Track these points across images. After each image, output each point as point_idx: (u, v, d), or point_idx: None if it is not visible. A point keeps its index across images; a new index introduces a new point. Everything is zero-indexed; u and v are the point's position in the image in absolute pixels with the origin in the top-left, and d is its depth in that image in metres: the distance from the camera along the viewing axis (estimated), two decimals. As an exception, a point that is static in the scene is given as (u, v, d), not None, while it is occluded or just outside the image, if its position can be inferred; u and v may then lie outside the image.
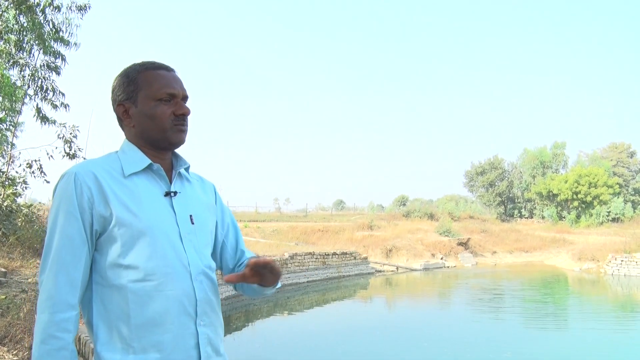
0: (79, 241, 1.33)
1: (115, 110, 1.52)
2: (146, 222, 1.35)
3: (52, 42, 9.66)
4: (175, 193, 1.46)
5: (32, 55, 9.95)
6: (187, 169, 1.57)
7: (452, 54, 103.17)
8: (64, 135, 9.94)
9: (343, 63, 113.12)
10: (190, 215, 1.47)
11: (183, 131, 1.49)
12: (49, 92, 9.44)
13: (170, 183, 1.49)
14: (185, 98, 1.52)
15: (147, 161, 1.44)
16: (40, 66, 9.92)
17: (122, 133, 1.54)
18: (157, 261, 1.34)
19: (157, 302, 1.33)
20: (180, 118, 1.48)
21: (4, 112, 9.74)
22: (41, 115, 9.84)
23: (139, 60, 1.55)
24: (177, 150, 1.57)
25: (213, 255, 1.58)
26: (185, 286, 1.38)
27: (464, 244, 33.83)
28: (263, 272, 1.47)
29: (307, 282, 23.35)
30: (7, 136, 10.76)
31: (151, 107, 1.45)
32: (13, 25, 9.70)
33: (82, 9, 9.81)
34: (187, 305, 1.37)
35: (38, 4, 9.29)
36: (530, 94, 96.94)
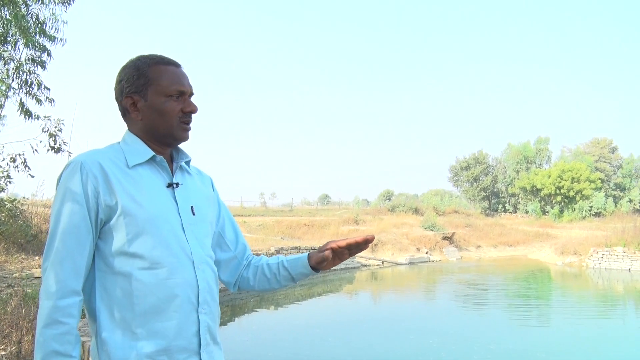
0: (84, 229, 1.35)
1: (123, 102, 1.53)
2: (151, 212, 1.38)
3: (36, 37, 9.56)
4: (177, 184, 1.49)
5: (17, 48, 9.82)
6: (187, 163, 1.60)
7: (437, 48, 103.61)
8: (48, 129, 9.86)
9: (329, 56, 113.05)
10: (192, 207, 1.50)
11: (189, 129, 1.53)
12: (34, 86, 9.34)
13: (172, 175, 1.52)
14: (192, 95, 1.56)
15: (151, 153, 1.47)
16: (25, 60, 9.80)
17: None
18: (161, 250, 1.38)
19: (162, 290, 1.37)
20: (188, 115, 1.52)
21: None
22: (25, 109, 9.72)
23: (146, 53, 1.57)
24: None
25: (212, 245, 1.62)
26: (188, 275, 1.41)
27: (449, 238, 34.10)
28: (343, 253, 1.59)
29: (293, 276, 23.37)
30: (-11, 130, 10.64)
31: (161, 102, 1.48)
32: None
33: (65, 2, 9.70)
34: (190, 294, 1.41)
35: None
36: (515, 89, 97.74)
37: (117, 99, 1.54)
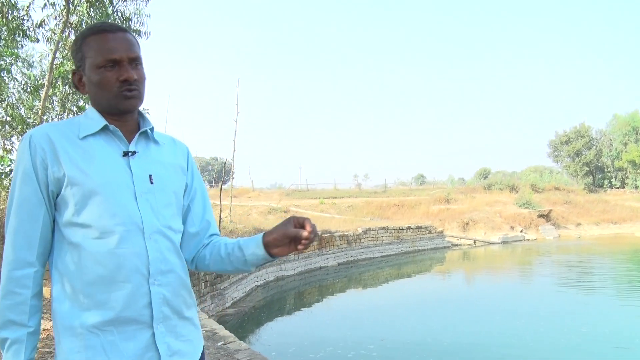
0: (35, 201, 1.36)
1: (72, 79, 1.52)
2: (97, 181, 1.36)
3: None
4: (133, 153, 1.44)
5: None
6: (151, 130, 1.53)
7: (532, 18, 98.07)
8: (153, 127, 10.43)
9: (419, 35, 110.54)
10: (150, 175, 1.45)
11: (131, 97, 1.44)
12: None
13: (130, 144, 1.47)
14: (133, 60, 1.46)
15: (102, 123, 1.43)
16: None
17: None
18: (108, 220, 1.35)
19: (109, 259, 1.34)
20: (126, 84, 1.43)
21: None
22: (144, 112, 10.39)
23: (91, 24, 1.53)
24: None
25: (179, 217, 1.55)
26: (137, 245, 1.37)
27: (546, 216, 32.58)
28: (297, 237, 1.43)
29: (382, 256, 23.40)
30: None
31: (95, 75, 1.43)
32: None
33: (145, -4, 10.23)
34: (139, 264, 1.36)
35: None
36: (618, 55, 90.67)
37: None
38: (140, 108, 1.55)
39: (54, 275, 1.40)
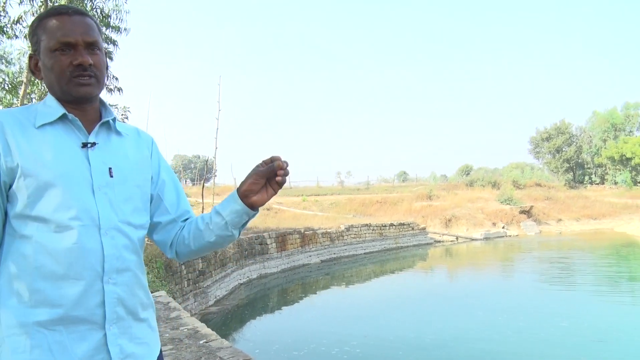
0: None
1: (28, 64, 1.44)
2: (53, 173, 1.28)
3: (103, 29, 10.07)
4: (93, 144, 1.36)
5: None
6: (113, 121, 1.45)
7: (512, 15, 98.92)
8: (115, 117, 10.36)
9: (401, 34, 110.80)
10: (110, 168, 1.37)
11: (84, 84, 1.35)
12: (102, 76, 9.86)
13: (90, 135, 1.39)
14: (90, 45, 1.37)
15: (61, 112, 1.35)
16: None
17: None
18: (63, 213, 1.28)
19: (61, 255, 1.27)
20: (80, 69, 1.34)
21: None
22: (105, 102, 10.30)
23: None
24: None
25: (145, 211, 1.47)
26: (91, 241, 1.30)
27: (527, 212, 32.93)
28: (272, 179, 1.39)
29: (365, 253, 23.47)
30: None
31: (49, 59, 1.35)
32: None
33: (124, -8, 10.15)
34: (92, 261, 1.29)
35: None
36: (597, 53, 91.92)
37: None
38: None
39: (1, 270, 1.30)
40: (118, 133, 1.46)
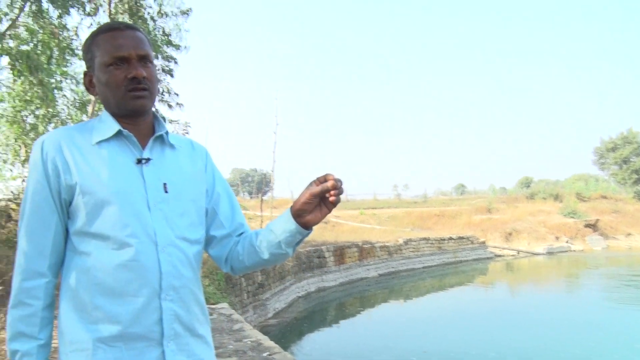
0: (47, 210, 1.33)
1: (83, 81, 1.47)
2: (109, 190, 1.30)
3: (164, 47, 10.51)
4: (147, 160, 1.37)
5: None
6: (166, 134, 1.45)
7: (574, 23, 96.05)
8: (177, 132, 10.74)
9: (458, 44, 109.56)
10: (165, 184, 1.38)
11: (140, 97, 1.37)
12: (164, 93, 10.32)
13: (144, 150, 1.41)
14: (142, 58, 1.39)
15: (116, 128, 1.37)
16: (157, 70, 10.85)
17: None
18: (120, 230, 1.29)
19: (119, 272, 1.29)
20: (135, 82, 1.36)
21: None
22: (159, 114, 10.71)
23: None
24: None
25: (200, 225, 1.47)
26: (149, 258, 1.31)
27: (592, 226, 31.64)
28: (326, 198, 1.34)
29: (423, 267, 23.15)
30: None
31: (104, 74, 1.37)
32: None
33: (184, 13, 10.57)
34: (150, 278, 1.30)
35: (148, 13, 10.16)
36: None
37: None
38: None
39: (63, 286, 1.34)
40: (172, 146, 1.46)
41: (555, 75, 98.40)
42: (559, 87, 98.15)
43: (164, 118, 10.92)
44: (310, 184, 1.35)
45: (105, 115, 1.41)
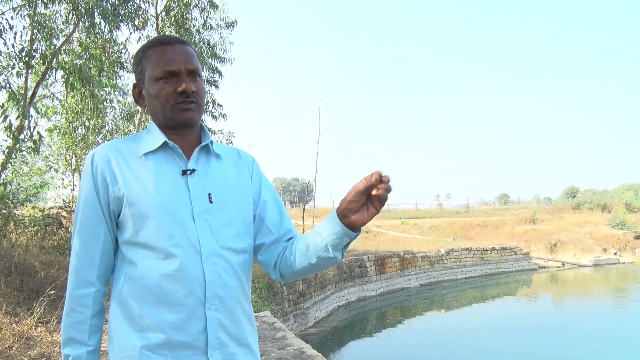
0: (96, 221, 1.37)
1: (132, 93, 1.51)
2: (155, 202, 1.33)
3: (209, 59, 10.79)
4: (192, 171, 1.40)
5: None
6: (211, 144, 1.48)
7: (622, 26, 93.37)
8: (221, 142, 10.97)
9: (502, 54, 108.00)
10: (210, 194, 1.40)
11: (188, 109, 1.40)
12: (209, 104, 10.57)
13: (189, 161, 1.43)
14: (191, 72, 1.42)
15: (162, 140, 1.40)
16: (202, 81, 11.18)
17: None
18: (165, 241, 1.32)
19: (165, 281, 1.32)
20: (184, 95, 1.39)
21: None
22: (204, 125, 11.01)
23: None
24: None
25: (247, 235, 1.47)
26: (193, 267, 1.33)
27: (643, 238, 30.54)
28: (373, 198, 1.29)
29: (465, 278, 22.85)
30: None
31: (154, 87, 1.41)
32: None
33: (230, 25, 10.82)
34: (195, 288, 1.33)
35: (194, 26, 10.48)
36: None
37: None
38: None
39: (112, 294, 1.40)
40: (217, 156, 1.48)
41: (604, 82, 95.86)
42: (607, 93, 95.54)
43: (208, 129, 11.22)
44: (356, 184, 1.30)
45: (152, 127, 1.45)
